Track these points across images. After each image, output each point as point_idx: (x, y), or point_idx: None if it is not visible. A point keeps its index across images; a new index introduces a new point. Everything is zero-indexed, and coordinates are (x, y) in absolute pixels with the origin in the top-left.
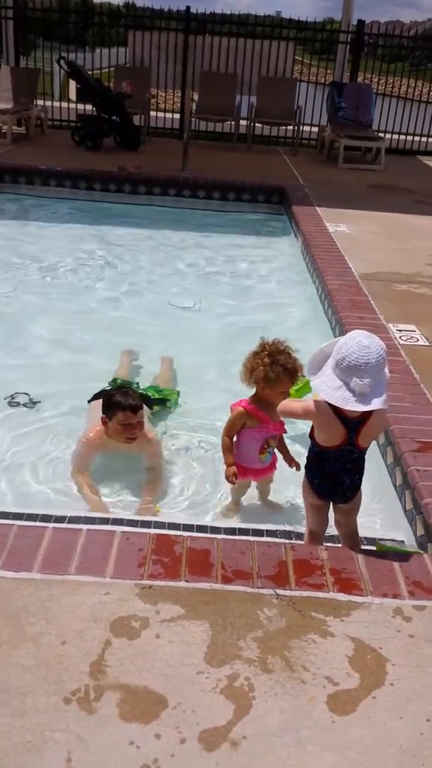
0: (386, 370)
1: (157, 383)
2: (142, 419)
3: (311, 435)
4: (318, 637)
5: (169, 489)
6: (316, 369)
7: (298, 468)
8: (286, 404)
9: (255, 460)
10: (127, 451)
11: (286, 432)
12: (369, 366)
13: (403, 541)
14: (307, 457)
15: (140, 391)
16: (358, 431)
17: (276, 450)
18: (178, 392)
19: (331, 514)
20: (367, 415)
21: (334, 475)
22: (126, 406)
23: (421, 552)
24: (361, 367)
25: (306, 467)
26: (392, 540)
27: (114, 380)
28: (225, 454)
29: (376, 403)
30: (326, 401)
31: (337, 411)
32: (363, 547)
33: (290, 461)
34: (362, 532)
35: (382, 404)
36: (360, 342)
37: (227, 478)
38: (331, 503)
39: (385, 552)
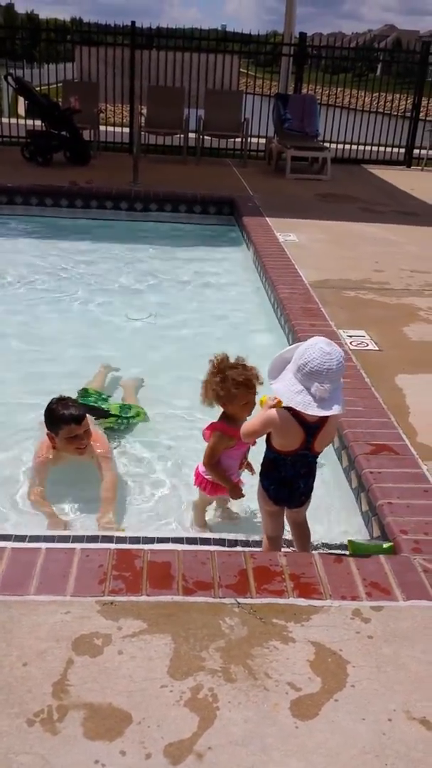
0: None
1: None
2: (89, 428)
3: (268, 440)
4: (279, 644)
5: (129, 502)
6: (275, 374)
7: (252, 471)
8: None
9: (235, 475)
10: (80, 460)
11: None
12: (330, 372)
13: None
14: (262, 464)
15: (97, 402)
16: (315, 435)
17: None
18: (144, 411)
19: None
20: (324, 420)
21: (289, 481)
22: (68, 418)
23: (392, 543)
24: (322, 373)
25: (261, 474)
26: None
27: (84, 390)
28: (221, 479)
29: (336, 409)
30: (285, 407)
31: (295, 415)
32: (320, 551)
33: (250, 467)
34: (325, 537)
35: (341, 409)
36: (322, 348)
37: (236, 496)
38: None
39: (343, 555)
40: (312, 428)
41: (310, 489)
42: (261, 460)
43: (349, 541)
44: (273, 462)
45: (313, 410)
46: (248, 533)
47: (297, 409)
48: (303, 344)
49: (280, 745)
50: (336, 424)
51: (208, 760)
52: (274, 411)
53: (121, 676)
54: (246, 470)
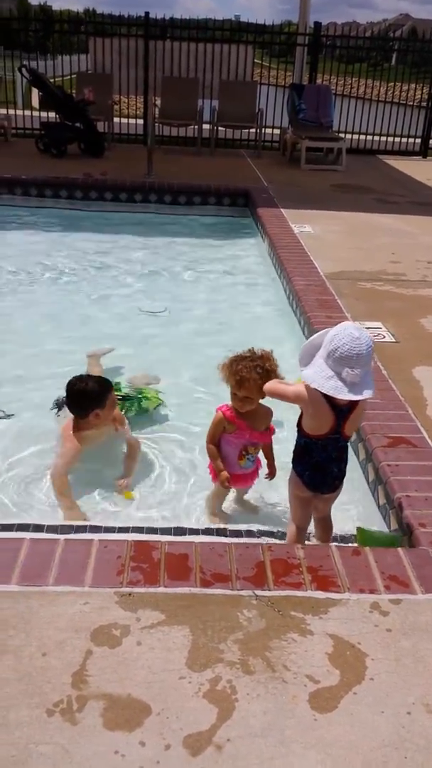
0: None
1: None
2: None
3: (299, 425)
4: (298, 636)
5: (145, 493)
6: (306, 360)
7: (271, 477)
8: (275, 385)
9: (235, 465)
10: (105, 438)
11: (270, 441)
12: (360, 356)
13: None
14: (294, 451)
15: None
16: (345, 419)
17: (263, 456)
18: (157, 396)
19: None
20: (354, 404)
21: (322, 466)
22: (108, 383)
23: (401, 534)
24: (352, 358)
25: (294, 461)
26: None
27: None
28: (213, 461)
29: (367, 393)
30: (318, 390)
31: (327, 399)
32: (337, 544)
33: (271, 470)
34: (339, 529)
35: (372, 393)
36: (351, 333)
37: (221, 483)
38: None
39: (362, 548)
40: (343, 411)
41: (343, 474)
42: (293, 448)
43: (358, 528)
44: (304, 448)
45: (345, 395)
46: (265, 525)
47: (329, 394)
48: (332, 330)
49: (299, 738)
50: (365, 408)
51: (228, 751)
52: (305, 387)
53: (139, 667)
54: (268, 477)
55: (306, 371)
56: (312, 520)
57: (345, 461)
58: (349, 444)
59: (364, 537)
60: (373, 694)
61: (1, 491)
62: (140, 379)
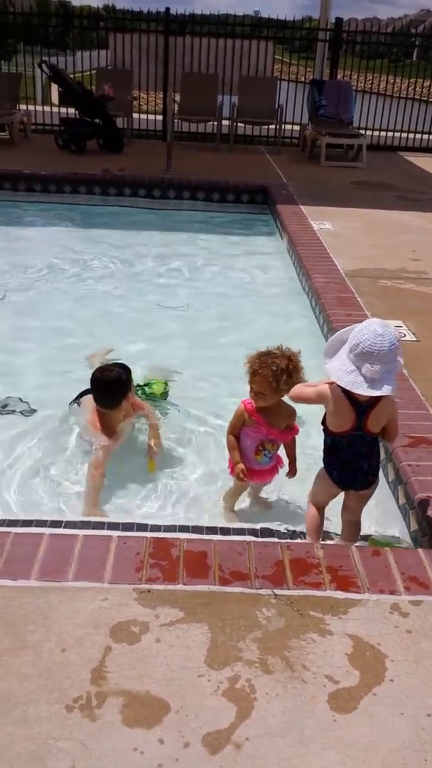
0: (400, 359)
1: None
2: None
3: (324, 425)
4: (317, 636)
5: (163, 490)
6: (332, 353)
7: (291, 476)
8: (298, 389)
9: (251, 460)
10: (130, 429)
11: (291, 440)
12: (381, 353)
13: (397, 537)
14: (323, 450)
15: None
16: (366, 415)
17: (285, 455)
18: (166, 383)
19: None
20: (376, 400)
21: (351, 463)
22: (128, 369)
23: (412, 547)
24: (373, 354)
25: (323, 460)
26: (384, 535)
27: None
28: (231, 451)
29: (385, 390)
30: (338, 386)
31: (347, 395)
32: (357, 545)
33: (292, 469)
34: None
35: (391, 391)
36: (375, 330)
37: (237, 476)
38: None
39: (381, 548)
40: (363, 408)
41: (376, 469)
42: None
43: (371, 539)
44: (331, 446)
45: (363, 390)
46: (284, 524)
47: (347, 388)
48: (359, 325)
49: (319, 738)
50: (392, 406)
51: (246, 750)
52: (327, 386)
53: (158, 664)
54: (288, 475)
55: (329, 364)
56: (340, 520)
57: (376, 456)
58: (378, 440)
59: (375, 546)
60: (393, 696)
61: (20, 487)
62: (156, 375)
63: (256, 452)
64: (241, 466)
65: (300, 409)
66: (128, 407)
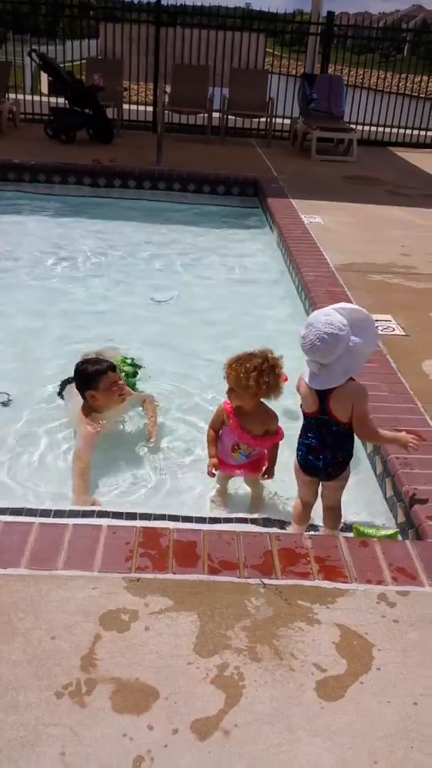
0: (339, 354)
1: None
2: (120, 375)
3: (301, 407)
4: (305, 625)
5: (153, 480)
6: None
7: (267, 477)
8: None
9: (227, 455)
10: (123, 413)
11: (268, 447)
12: (307, 351)
13: (382, 525)
14: (299, 433)
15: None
16: (327, 399)
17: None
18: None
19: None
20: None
21: (315, 448)
22: (105, 368)
23: (397, 530)
24: (304, 351)
25: (297, 442)
26: (368, 523)
27: None
28: (208, 445)
29: (317, 385)
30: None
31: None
32: (345, 535)
33: (268, 473)
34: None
35: (320, 386)
36: (300, 330)
37: (208, 469)
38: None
39: (369, 539)
40: (322, 392)
41: (339, 463)
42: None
43: (354, 527)
44: (304, 427)
45: (307, 381)
46: (275, 514)
47: (303, 379)
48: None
49: (306, 725)
50: (352, 394)
51: (235, 737)
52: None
53: (148, 652)
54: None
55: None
56: (322, 507)
57: (342, 450)
58: (355, 437)
59: (360, 535)
60: (380, 684)
61: (9, 476)
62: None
63: (233, 450)
64: (213, 460)
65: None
66: (103, 402)
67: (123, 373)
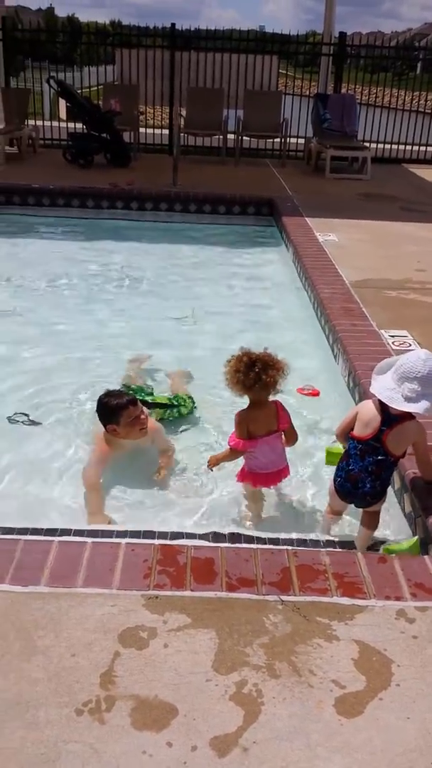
0: None
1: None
2: (142, 407)
3: (351, 434)
4: (323, 641)
5: (172, 497)
6: (380, 373)
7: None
8: (338, 427)
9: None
10: (140, 444)
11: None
12: (420, 375)
13: (404, 538)
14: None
15: (145, 396)
16: (390, 427)
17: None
18: (191, 398)
19: None
20: (404, 417)
21: (355, 476)
22: (126, 403)
23: (417, 537)
24: (413, 374)
25: (336, 467)
26: (393, 541)
27: (126, 387)
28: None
29: (419, 407)
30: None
31: (381, 408)
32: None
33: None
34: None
35: (424, 410)
36: (419, 355)
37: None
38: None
39: (387, 555)
40: (390, 419)
41: (378, 493)
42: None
43: (384, 548)
44: (347, 452)
45: (398, 404)
46: (293, 532)
47: (384, 401)
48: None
49: (325, 742)
50: (418, 431)
51: (254, 754)
52: (363, 402)
53: (166, 669)
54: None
55: (372, 384)
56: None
57: (383, 480)
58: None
59: (389, 553)
60: (399, 701)
61: (30, 495)
62: (177, 374)
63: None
64: (214, 458)
65: None
66: (124, 434)
67: (146, 396)
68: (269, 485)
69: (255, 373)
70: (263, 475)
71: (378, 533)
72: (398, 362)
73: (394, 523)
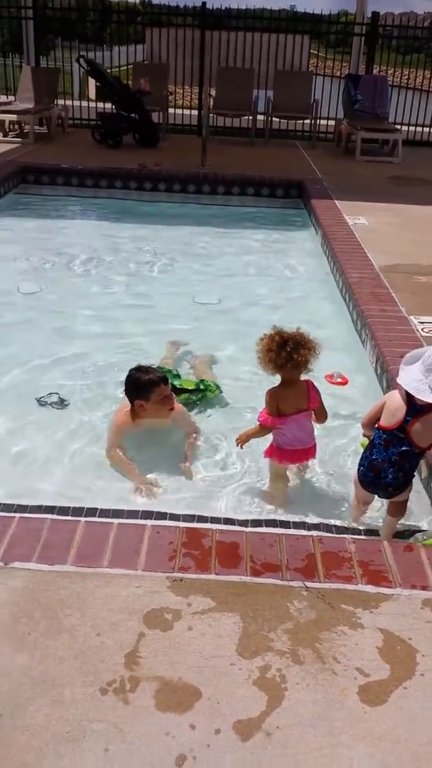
0: None
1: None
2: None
3: (378, 424)
4: (348, 629)
5: (198, 480)
6: (409, 363)
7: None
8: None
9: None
10: (160, 424)
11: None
12: None
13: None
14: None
15: (173, 378)
16: (415, 417)
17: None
18: (218, 385)
19: None
20: (430, 409)
21: (378, 466)
22: (157, 380)
23: None
24: None
25: (360, 457)
26: (425, 532)
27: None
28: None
29: None
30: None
31: (407, 399)
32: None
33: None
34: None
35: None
36: None
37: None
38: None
39: (414, 544)
40: (416, 410)
41: (401, 484)
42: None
43: (421, 540)
44: (371, 443)
45: (425, 396)
46: (319, 517)
47: (410, 392)
48: None
49: (348, 729)
50: None
51: (277, 739)
52: (389, 393)
53: (190, 652)
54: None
55: (400, 374)
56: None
57: (406, 472)
58: (416, 455)
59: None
60: (424, 690)
61: (58, 476)
62: (202, 359)
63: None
64: (243, 435)
65: None
66: (151, 412)
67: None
68: (295, 462)
69: (287, 353)
70: (290, 451)
71: (411, 522)
72: (426, 353)
73: (420, 511)
